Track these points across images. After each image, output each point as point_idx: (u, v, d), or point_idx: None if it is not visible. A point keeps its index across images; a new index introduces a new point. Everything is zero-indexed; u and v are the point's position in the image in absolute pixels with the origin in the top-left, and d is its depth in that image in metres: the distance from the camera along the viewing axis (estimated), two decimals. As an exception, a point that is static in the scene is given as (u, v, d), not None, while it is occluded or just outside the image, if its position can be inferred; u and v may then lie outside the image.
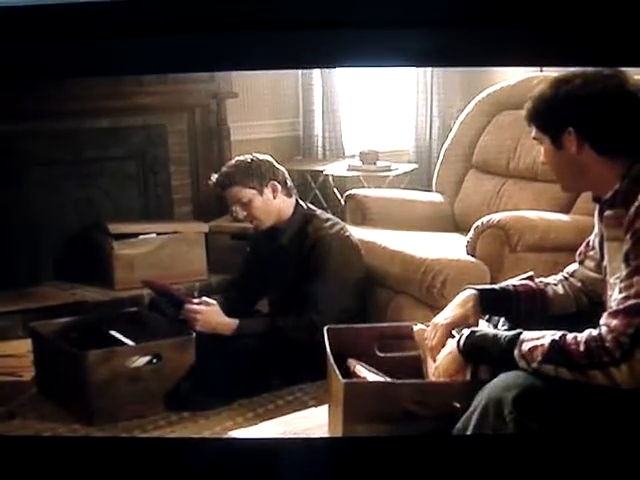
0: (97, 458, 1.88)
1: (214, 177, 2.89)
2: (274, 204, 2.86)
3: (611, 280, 1.69)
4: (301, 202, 2.95)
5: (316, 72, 4.28)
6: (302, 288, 2.78)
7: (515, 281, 1.99)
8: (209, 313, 2.75)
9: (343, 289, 2.84)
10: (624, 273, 1.60)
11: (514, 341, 1.68)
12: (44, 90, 3.33)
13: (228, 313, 2.81)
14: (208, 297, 2.82)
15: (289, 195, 2.90)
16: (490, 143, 3.41)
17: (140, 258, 3.61)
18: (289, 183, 2.90)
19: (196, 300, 2.78)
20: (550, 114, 1.75)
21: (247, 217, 2.87)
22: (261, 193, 2.83)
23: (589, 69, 1.71)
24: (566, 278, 1.98)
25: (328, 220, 2.92)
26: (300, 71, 4.17)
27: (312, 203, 3.15)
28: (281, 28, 1.58)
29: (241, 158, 2.88)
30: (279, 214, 2.87)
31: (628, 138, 1.69)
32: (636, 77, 1.71)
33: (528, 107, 1.79)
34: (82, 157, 3.80)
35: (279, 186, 2.85)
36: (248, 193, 2.83)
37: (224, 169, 2.89)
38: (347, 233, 2.93)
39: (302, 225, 2.87)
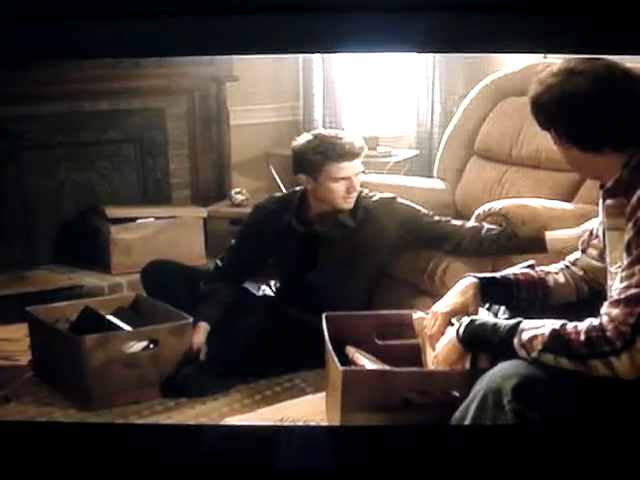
0: (93, 443, 1.88)
1: (360, 138, 2.85)
2: None
3: (612, 269, 1.68)
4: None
5: (317, 56, 4.24)
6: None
7: (516, 269, 1.98)
8: None
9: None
10: (625, 262, 1.59)
11: (514, 330, 1.67)
12: (41, 72, 3.31)
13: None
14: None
15: None
16: (493, 130, 3.37)
17: (137, 242, 3.59)
18: None
19: None
20: (534, 114, 1.76)
21: (355, 190, 2.81)
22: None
23: (572, 63, 1.68)
24: (567, 267, 1.97)
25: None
26: (301, 55, 4.13)
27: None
28: (282, 11, 1.56)
29: None
30: None
31: (615, 134, 1.67)
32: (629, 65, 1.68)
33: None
34: (79, 140, 3.77)
35: None
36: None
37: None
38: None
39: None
